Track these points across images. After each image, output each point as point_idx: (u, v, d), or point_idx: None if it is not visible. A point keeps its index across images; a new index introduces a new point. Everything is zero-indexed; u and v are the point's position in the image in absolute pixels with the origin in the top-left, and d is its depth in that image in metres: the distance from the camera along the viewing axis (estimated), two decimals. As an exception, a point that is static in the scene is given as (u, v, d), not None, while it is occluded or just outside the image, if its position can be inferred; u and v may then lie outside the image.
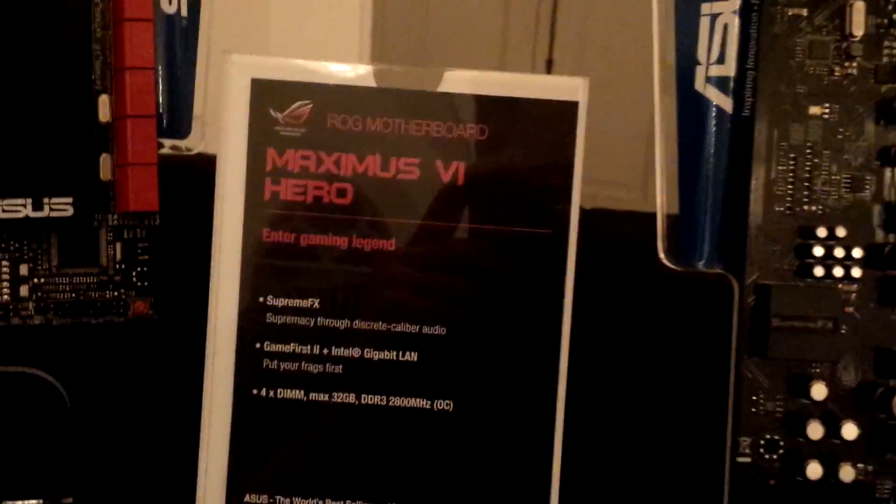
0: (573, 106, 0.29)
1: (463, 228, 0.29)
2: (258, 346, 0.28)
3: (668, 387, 0.31)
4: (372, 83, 0.29)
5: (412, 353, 0.29)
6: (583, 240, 0.28)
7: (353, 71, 0.29)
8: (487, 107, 0.29)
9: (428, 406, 0.28)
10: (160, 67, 0.31)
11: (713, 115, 0.29)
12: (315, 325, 0.28)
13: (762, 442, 0.28)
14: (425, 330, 0.29)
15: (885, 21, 0.27)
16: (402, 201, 0.29)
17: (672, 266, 0.29)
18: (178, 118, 0.32)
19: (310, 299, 0.29)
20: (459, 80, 0.29)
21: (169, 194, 0.30)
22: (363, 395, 0.28)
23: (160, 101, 0.31)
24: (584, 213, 0.29)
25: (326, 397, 0.28)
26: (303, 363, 0.28)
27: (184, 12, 0.32)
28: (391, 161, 0.29)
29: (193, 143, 0.32)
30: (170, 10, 0.31)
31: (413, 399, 0.28)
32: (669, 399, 0.31)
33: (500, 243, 0.29)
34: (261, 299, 0.28)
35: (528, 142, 0.29)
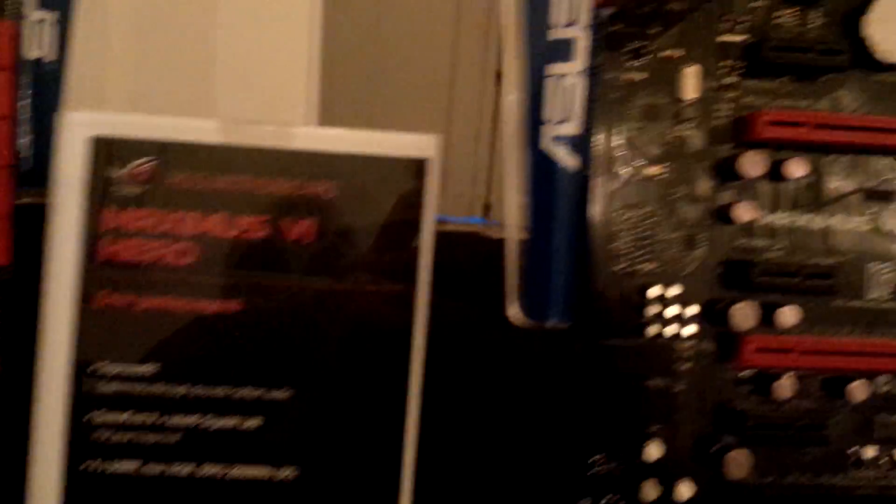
0: (423, 163, 0.30)
1: (311, 288, 0.29)
2: (88, 416, 0.27)
3: (516, 447, 0.31)
4: (218, 139, 0.29)
5: (256, 419, 0.29)
6: (436, 291, 0.29)
7: (198, 127, 0.29)
8: (337, 164, 0.30)
9: (271, 474, 0.28)
10: (29, 113, 0.31)
11: (559, 174, 0.31)
12: (152, 392, 0.28)
13: (603, 503, 0.29)
14: (270, 394, 0.29)
15: (717, 85, 0.29)
16: (247, 261, 0.29)
17: (519, 323, 0.30)
18: (45, 165, 0.32)
19: (147, 365, 0.28)
20: (309, 137, 0.30)
21: (27, 246, 0.29)
22: (203, 465, 0.28)
23: (26, 147, 0.31)
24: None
25: (162, 469, 0.28)
26: (137, 433, 0.28)
27: (51, 56, 0.31)
28: (237, 219, 0.29)
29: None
30: (37, 54, 0.31)
31: (256, 467, 0.28)
32: (516, 460, 0.32)
33: (350, 302, 0.29)
34: (92, 367, 0.28)
35: (378, 199, 0.30)
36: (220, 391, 0.29)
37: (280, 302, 0.29)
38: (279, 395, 0.29)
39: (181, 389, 0.28)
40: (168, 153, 0.29)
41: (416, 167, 0.30)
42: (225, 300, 0.29)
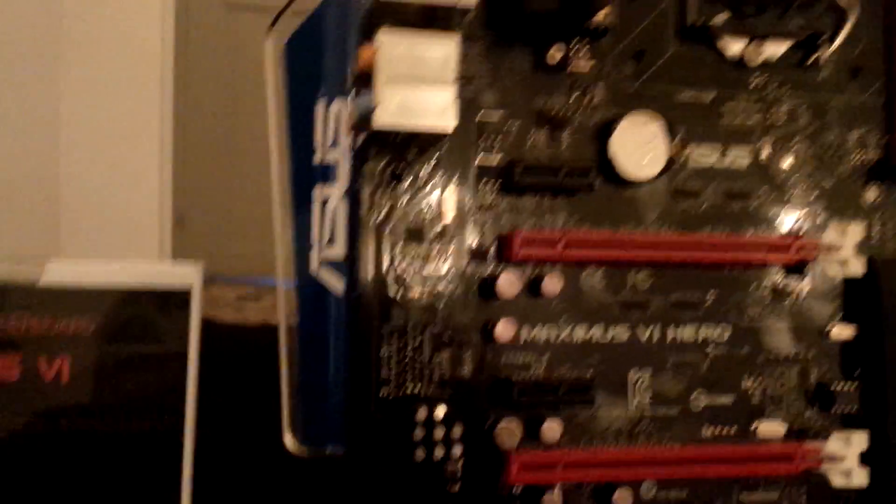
0: (185, 294, 0.31)
1: (69, 430, 0.29)
2: None
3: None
4: (-35, 278, 0.29)
5: (6, 575, 0.28)
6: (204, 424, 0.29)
7: (-56, 265, 0.29)
8: (93, 298, 0.30)
9: None
10: None
11: (328, 296, 0.32)
12: None
13: None
14: (26, 545, 0.29)
15: (477, 205, 0.31)
16: (2, 403, 0.29)
17: (295, 450, 0.31)
18: None
19: None
20: (63, 272, 0.30)
21: None
22: None
23: None
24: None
25: None
26: None
27: None
28: (-13, 362, 0.29)
29: None
30: None
31: None
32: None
33: (110, 443, 0.29)
34: None
35: (137, 333, 0.30)
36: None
37: (38, 445, 0.29)
38: (35, 545, 0.28)
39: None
40: None
41: (179, 298, 0.30)
42: (-25, 448, 0.28)
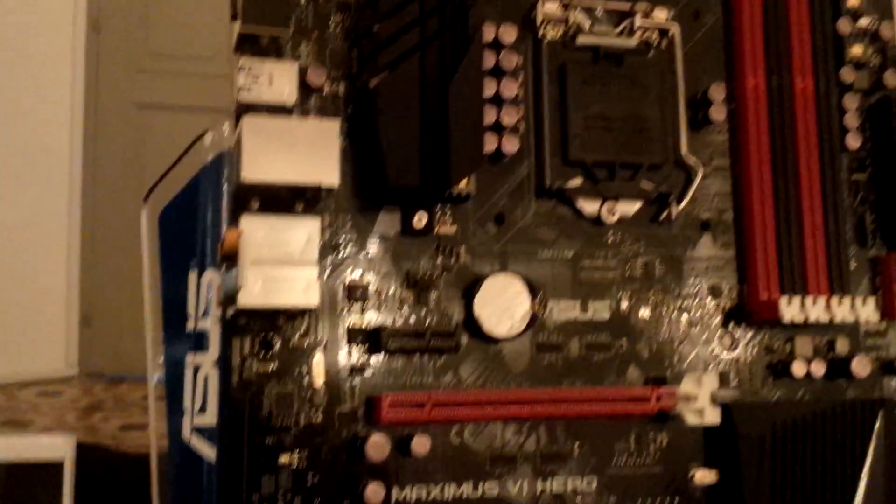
0: (58, 466, 0.32)
1: None
2: None
3: None
4: None
5: None
6: None
7: None
8: (-38, 475, 0.31)
9: None
10: None
11: (200, 463, 0.33)
12: None
13: None
14: None
15: (349, 367, 0.33)
16: None
17: None
18: None
19: None
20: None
21: None
22: None
23: None
24: None
25: None
26: None
27: None
28: None
29: None
30: None
31: None
32: None
33: None
34: None
35: (8, 508, 0.31)
36: None
37: None
38: None
39: None
40: None
41: (51, 470, 0.31)
42: None
